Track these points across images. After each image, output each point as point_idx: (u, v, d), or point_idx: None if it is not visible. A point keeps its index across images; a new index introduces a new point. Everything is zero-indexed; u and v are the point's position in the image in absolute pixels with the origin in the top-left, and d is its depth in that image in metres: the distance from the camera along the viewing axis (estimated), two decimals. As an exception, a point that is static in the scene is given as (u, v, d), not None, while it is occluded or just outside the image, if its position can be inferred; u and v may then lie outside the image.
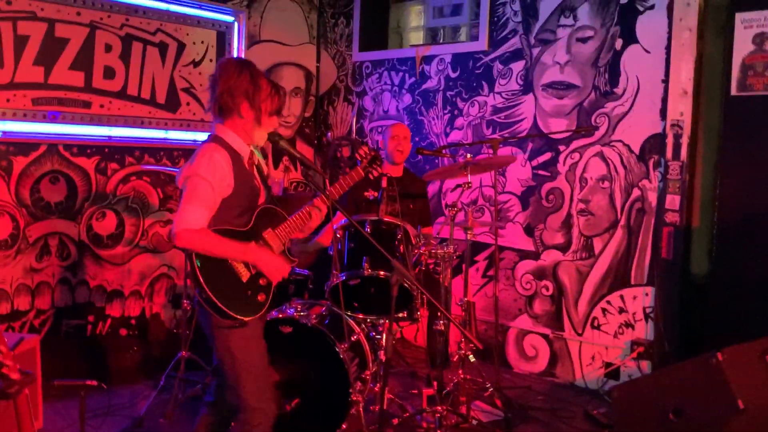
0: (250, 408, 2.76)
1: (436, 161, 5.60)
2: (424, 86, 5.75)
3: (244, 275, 2.73)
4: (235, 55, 5.62)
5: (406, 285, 3.72)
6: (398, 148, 4.66)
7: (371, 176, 3.08)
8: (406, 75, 5.88)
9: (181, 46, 5.29)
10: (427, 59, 5.73)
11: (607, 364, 4.74)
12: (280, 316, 3.71)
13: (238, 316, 2.66)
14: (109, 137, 4.96)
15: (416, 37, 6.23)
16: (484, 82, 5.37)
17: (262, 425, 2.79)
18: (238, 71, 2.75)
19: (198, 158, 2.70)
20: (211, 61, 5.44)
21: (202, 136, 5.11)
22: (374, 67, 6.10)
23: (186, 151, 5.25)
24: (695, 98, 4.40)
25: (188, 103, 5.33)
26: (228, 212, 2.73)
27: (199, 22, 5.40)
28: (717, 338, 4.08)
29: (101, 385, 3.94)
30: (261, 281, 2.79)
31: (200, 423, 2.99)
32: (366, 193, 4.35)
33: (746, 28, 4.27)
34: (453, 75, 5.56)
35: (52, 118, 4.67)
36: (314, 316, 3.76)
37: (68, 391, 4.06)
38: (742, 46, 4.27)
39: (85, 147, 4.85)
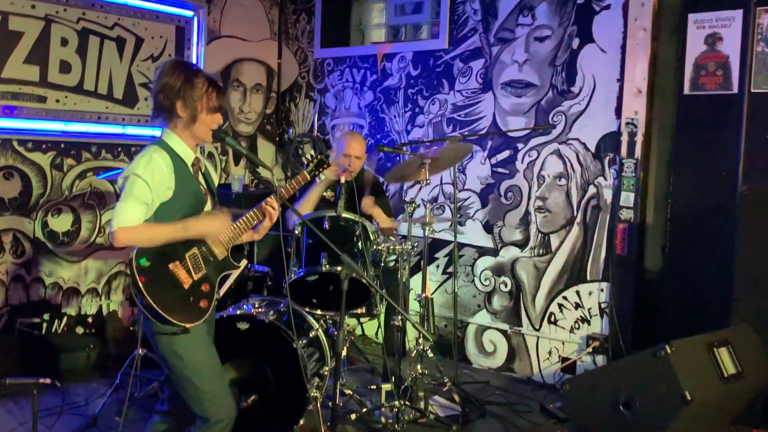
0: (209, 408, 2.72)
1: (397, 158, 5.62)
2: (385, 84, 5.77)
3: (186, 282, 2.71)
4: (194, 50, 5.58)
5: (363, 280, 3.73)
6: (348, 168, 4.33)
7: (317, 180, 3.10)
8: (368, 72, 5.89)
9: (140, 41, 5.23)
10: (389, 57, 5.74)
11: (564, 359, 4.81)
12: (238, 312, 3.70)
13: (180, 323, 2.64)
14: (65, 132, 4.90)
15: (378, 35, 6.24)
16: (444, 80, 5.40)
17: (223, 423, 2.76)
18: (173, 70, 2.74)
19: (138, 159, 2.69)
20: (170, 56, 5.39)
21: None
22: (336, 64, 6.10)
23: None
24: (649, 97, 4.48)
25: (146, 99, 5.27)
26: (169, 217, 2.70)
27: (158, 17, 5.35)
28: (670, 332, 4.15)
29: (55, 383, 3.88)
30: (203, 287, 2.77)
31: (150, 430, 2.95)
32: (324, 194, 4.36)
33: (699, 28, 4.36)
34: (414, 73, 5.59)
35: (6, 113, 4.60)
36: (272, 312, 3.75)
37: (21, 390, 3.97)
38: (695, 47, 4.37)
39: (40, 142, 4.78)
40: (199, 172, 2.86)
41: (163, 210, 2.70)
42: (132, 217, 2.61)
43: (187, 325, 2.67)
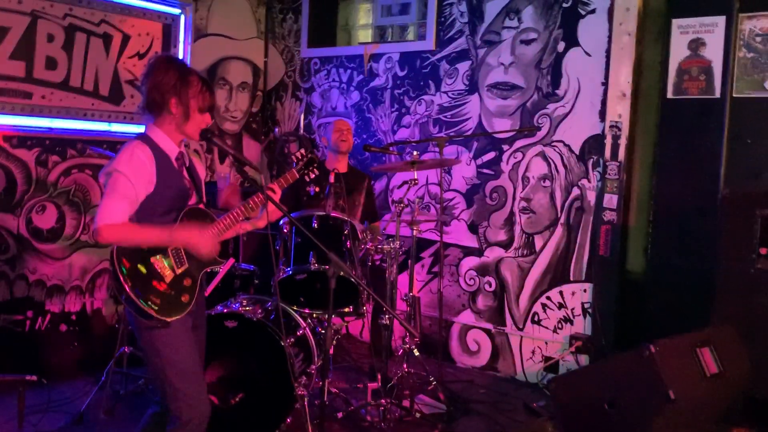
0: (181, 407, 2.73)
1: (384, 158, 5.65)
2: (372, 84, 5.79)
3: (168, 276, 2.72)
4: (181, 48, 5.56)
5: (352, 279, 3.75)
6: (341, 139, 4.73)
7: (307, 178, 3.13)
8: (355, 72, 5.91)
9: (126, 38, 5.21)
10: (376, 57, 5.77)
11: (547, 359, 4.86)
12: (226, 310, 3.70)
13: (161, 317, 2.65)
14: (51, 129, 4.86)
15: (365, 35, 6.26)
16: (431, 81, 5.44)
17: (193, 423, 2.75)
18: (166, 67, 2.76)
19: (119, 155, 2.70)
20: (156, 53, 5.37)
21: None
22: (323, 64, 6.12)
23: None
24: (633, 101, 4.55)
25: (132, 96, 5.25)
26: (151, 211, 2.72)
27: (144, 14, 5.33)
28: (652, 332, 4.22)
29: (41, 380, 3.88)
30: (185, 282, 2.78)
31: (144, 427, 2.94)
32: (308, 188, 4.37)
33: (682, 33, 4.43)
34: (401, 73, 5.62)
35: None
36: (260, 310, 3.77)
37: (7, 387, 3.96)
38: (679, 51, 4.44)
39: (25, 138, 4.74)
40: (184, 167, 2.87)
41: (144, 204, 2.71)
42: (116, 214, 2.62)
43: (168, 319, 2.68)
